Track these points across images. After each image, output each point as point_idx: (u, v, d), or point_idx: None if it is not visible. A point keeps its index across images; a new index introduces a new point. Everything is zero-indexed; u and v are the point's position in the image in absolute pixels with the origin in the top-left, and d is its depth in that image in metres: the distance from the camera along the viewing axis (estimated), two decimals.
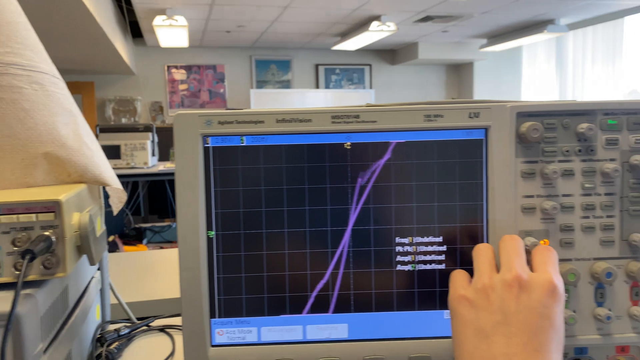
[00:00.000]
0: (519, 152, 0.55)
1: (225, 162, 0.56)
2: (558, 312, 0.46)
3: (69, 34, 4.12)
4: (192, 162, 0.55)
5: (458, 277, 0.52)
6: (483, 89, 7.36)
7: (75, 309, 0.63)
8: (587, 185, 0.55)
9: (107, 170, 0.64)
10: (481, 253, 0.51)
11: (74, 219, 0.53)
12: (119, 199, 0.69)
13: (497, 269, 0.50)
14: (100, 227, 0.65)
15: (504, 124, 0.55)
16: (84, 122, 0.65)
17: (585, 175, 0.55)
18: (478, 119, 0.55)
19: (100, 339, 0.73)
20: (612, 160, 0.55)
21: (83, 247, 0.54)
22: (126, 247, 3.88)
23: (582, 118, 0.55)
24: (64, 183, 0.60)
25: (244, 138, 0.55)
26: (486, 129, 0.56)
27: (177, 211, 0.55)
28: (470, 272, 0.52)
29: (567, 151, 0.55)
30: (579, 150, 0.55)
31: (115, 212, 0.71)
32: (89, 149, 0.62)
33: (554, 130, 0.55)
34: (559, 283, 0.47)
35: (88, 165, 0.61)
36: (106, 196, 0.72)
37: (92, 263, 0.56)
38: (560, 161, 0.55)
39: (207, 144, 0.55)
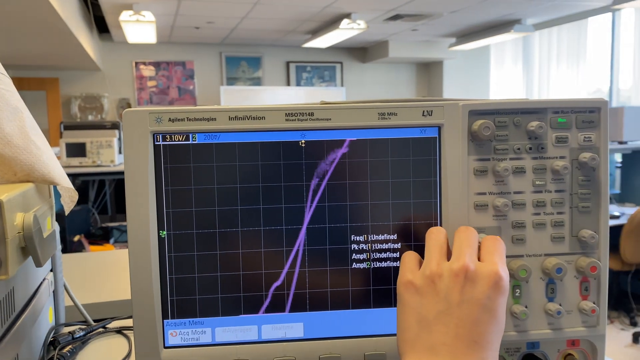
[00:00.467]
0: (471, 150, 0.56)
1: (177, 161, 0.54)
2: (501, 304, 0.46)
3: (31, 29, 4.01)
4: (142, 160, 0.53)
5: (408, 259, 0.52)
6: (452, 87, 7.45)
7: (24, 312, 0.61)
8: (537, 183, 0.56)
9: (56, 169, 0.62)
10: (433, 237, 0.51)
11: (18, 219, 0.51)
12: (70, 198, 0.67)
13: (449, 255, 0.50)
14: (49, 227, 0.63)
15: (456, 122, 0.55)
16: (31, 119, 0.62)
17: (536, 173, 0.56)
18: (431, 117, 0.56)
19: (53, 342, 0.71)
20: (561, 157, 0.56)
21: (28, 248, 0.52)
22: (92, 247, 3.80)
23: (533, 116, 0.56)
24: (10, 182, 0.58)
25: (196, 135, 0.54)
26: (439, 127, 0.56)
27: (128, 211, 0.54)
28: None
29: (518, 149, 0.56)
30: (530, 148, 0.56)
31: (67, 212, 0.69)
32: (36, 147, 0.60)
33: (505, 128, 0.56)
34: (505, 274, 0.47)
35: (35, 163, 0.59)
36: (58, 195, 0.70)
37: (38, 265, 0.54)
38: (511, 159, 0.56)
39: (158, 141, 0.54)
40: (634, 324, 3.66)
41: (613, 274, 3.70)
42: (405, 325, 0.48)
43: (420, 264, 0.51)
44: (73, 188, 0.66)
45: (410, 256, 0.52)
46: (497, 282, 0.46)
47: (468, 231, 0.51)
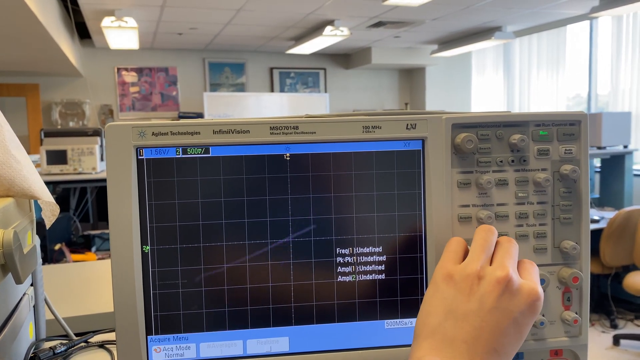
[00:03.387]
0: (454, 163, 0.56)
1: (160, 175, 0.54)
2: (530, 323, 0.47)
3: (11, 35, 3.95)
4: (125, 174, 0.53)
5: (453, 247, 0.51)
6: (435, 93, 7.51)
7: (4, 329, 0.60)
8: (520, 195, 0.57)
9: (36, 183, 0.61)
10: (483, 236, 0.51)
11: None
12: (51, 212, 0.66)
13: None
14: (30, 242, 0.62)
15: (439, 135, 0.56)
16: (11, 133, 0.61)
17: (519, 185, 0.57)
18: (415, 130, 0.56)
19: (33, 358, 0.70)
20: (543, 170, 0.57)
21: (8, 265, 0.51)
22: (74, 256, 3.74)
23: (515, 129, 0.57)
24: None
25: (180, 150, 0.54)
26: (423, 140, 0.56)
27: (110, 225, 0.53)
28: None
29: (500, 161, 0.56)
30: (512, 161, 0.57)
31: (48, 226, 0.68)
32: (16, 161, 0.59)
33: (488, 141, 0.56)
34: (542, 298, 0.48)
35: (15, 178, 0.58)
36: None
37: (18, 282, 0.53)
38: (494, 171, 0.56)
39: (141, 155, 0.54)
40: (614, 327, 3.72)
41: (593, 277, 3.76)
42: (432, 310, 0.48)
43: (465, 254, 0.51)
44: (54, 202, 0.65)
45: (455, 245, 0.51)
46: (535, 302, 0.47)
47: (511, 243, 0.51)
